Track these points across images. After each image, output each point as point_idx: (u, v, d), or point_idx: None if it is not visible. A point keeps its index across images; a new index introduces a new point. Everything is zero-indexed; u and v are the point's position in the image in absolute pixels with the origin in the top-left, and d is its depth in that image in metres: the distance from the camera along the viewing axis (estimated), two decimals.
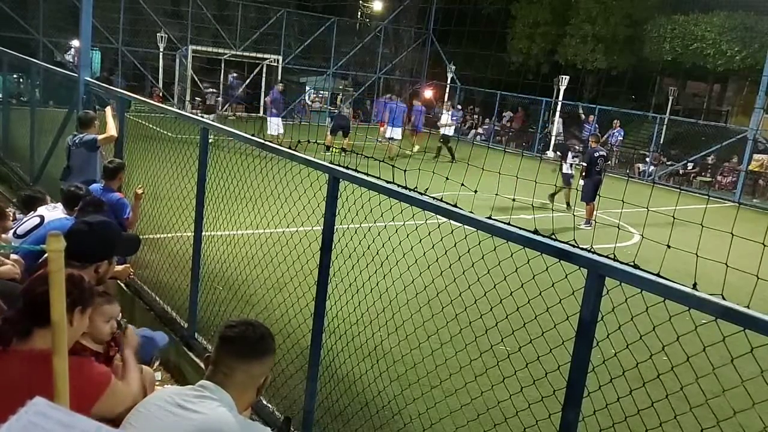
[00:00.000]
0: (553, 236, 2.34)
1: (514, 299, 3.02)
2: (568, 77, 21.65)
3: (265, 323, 2.16)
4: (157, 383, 3.28)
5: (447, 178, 3.07)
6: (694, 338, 2.14)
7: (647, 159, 20.12)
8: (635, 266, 2.05)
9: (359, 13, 31.51)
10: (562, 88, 21.34)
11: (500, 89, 23.56)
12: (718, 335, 2.02)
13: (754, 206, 16.73)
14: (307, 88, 24.66)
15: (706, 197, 16.21)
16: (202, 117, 6.56)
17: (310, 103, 24.18)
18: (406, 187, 2.93)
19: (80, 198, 4.43)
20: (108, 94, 7.55)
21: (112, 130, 6.18)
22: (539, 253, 2.30)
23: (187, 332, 4.70)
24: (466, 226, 2.59)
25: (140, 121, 10.12)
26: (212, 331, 4.49)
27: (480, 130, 25.01)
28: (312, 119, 21.22)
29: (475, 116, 26.43)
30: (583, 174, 11.81)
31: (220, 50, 21.89)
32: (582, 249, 2.20)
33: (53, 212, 4.51)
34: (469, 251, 2.90)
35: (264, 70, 22.57)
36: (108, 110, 6.46)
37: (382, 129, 18.00)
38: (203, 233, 4.64)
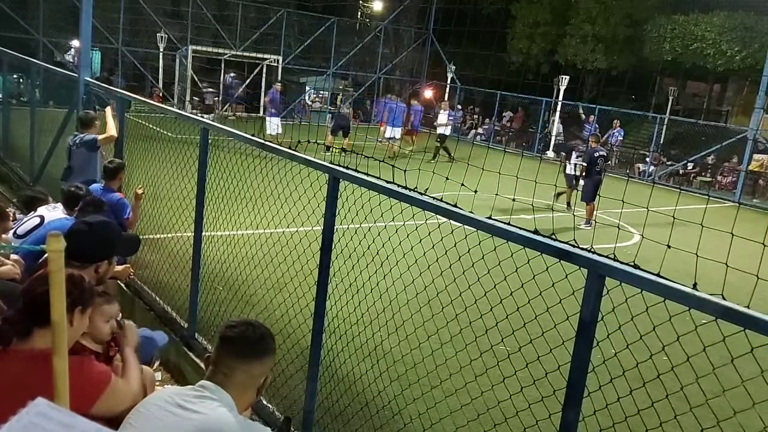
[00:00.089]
0: (553, 236, 2.34)
1: (514, 299, 3.02)
2: (568, 77, 21.66)
3: (265, 323, 2.16)
4: (157, 383, 3.28)
5: (447, 178, 3.07)
6: (694, 338, 2.14)
7: (647, 159, 20.12)
8: (635, 266, 2.05)
9: (359, 13, 31.51)
10: (562, 88, 21.35)
11: (500, 89, 23.56)
12: (718, 335, 2.02)
13: (754, 206, 16.74)
14: (307, 88, 24.66)
15: (706, 197, 16.21)
16: (202, 117, 6.55)
17: (310, 103, 24.18)
18: (406, 187, 2.93)
19: (80, 198, 4.44)
20: (108, 94, 7.55)
21: (112, 130, 6.18)
22: (539, 253, 2.30)
23: (187, 332, 4.70)
24: (466, 226, 2.59)
25: (140, 121, 10.11)
26: (212, 331, 4.49)
27: (480, 130, 25.02)
28: (312, 119, 21.21)
29: (475, 116, 26.43)
30: (583, 174, 11.82)
31: (220, 50, 21.89)
32: (582, 249, 2.20)
33: (53, 212, 4.51)
34: (469, 251, 2.90)
35: (264, 70, 22.56)
36: (108, 110, 6.46)
37: (382, 129, 18.02)
38: (203, 233, 4.64)
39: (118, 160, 5.70)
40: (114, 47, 20.62)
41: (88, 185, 5.16)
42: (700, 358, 2.18)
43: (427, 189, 2.92)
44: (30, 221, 4.40)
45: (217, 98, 22.28)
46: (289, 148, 3.70)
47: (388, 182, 3.01)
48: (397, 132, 17.55)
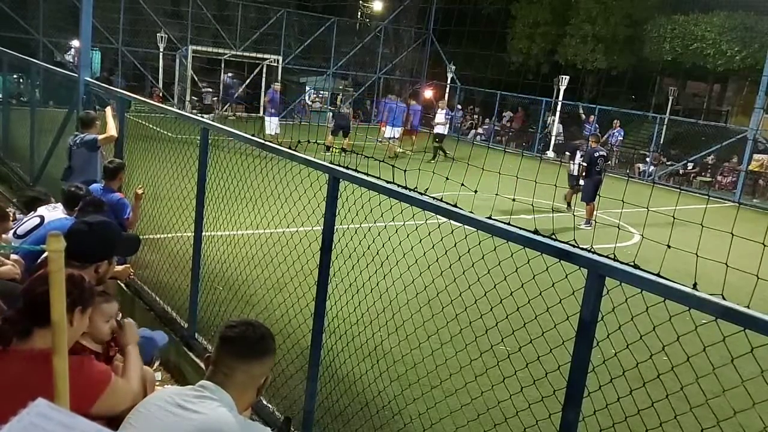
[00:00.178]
0: (553, 236, 2.34)
1: (514, 299, 3.02)
2: (568, 77, 21.66)
3: (265, 323, 2.16)
4: (157, 383, 3.28)
5: (447, 178, 3.07)
6: (694, 338, 2.14)
7: (647, 159, 20.12)
8: (635, 266, 2.05)
9: (359, 13, 31.51)
10: (562, 88, 21.35)
11: (500, 89, 23.56)
12: (718, 335, 2.02)
13: (754, 206, 16.74)
14: (307, 88, 24.66)
15: (706, 197, 16.21)
16: (202, 117, 6.55)
17: (310, 103, 24.19)
18: (406, 187, 2.93)
19: (80, 198, 4.43)
20: (108, 94, 7.55)
21: (112, 130, 6.18)
22: (539, 253, 2.30)
23: (187, 332, 4.70)
24: (466, 226, 2.59)
25: (140, 121, 10.12)
26: (212, 331, 4.49)
27: (480, 130, 25.02)
28: (312, 119, 21.21)
29: (475, 116, 26.44)
30: (583, 174, 11.82)
31: (220, 50, 21.89)
32: (582, 249, 2.20)
33: (53, 212, 4.51)
34: (469, 251, 2.90)
35: (264, 70, 22.56)
36: (108, 110, 6.47)
37: (383, 129, 18.04)
38: (203, 233, 4.64)
39: (118, 160, 5.70)
40: (114, 47, 20.62)
41: (88, 185, 5.16)
42: (700, 358, 2.18)
43: (427, 189, 2.92)
44: (30, 221, 4.40)
45: (216, 98, 22.28)
46: (289, 148, 3.70)
47: (388, 182, 3.01)
48: (397, 132, 17.57)
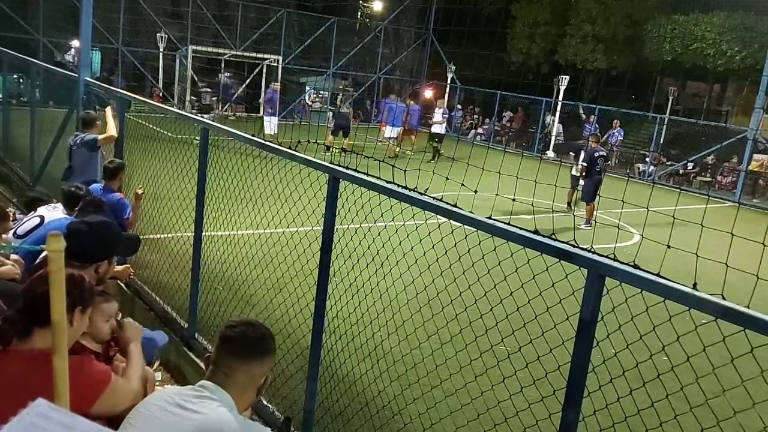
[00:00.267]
0: (553, 236, 2.34)
1: (514, 299, 3.02)
2: (568, 77, 21.66)
3: (265, 323, 2.16)
4: (157, 383, 3.28)
5: (447, 178, 3.07)
6: (694, 338, 2.14)
7: (647, 159, 20.12)
8: (635, 266, 2.05)
9: (359, 13, 31.51)
10: (562, 88, 21.35)
11: (500, 89, 23.56)
12: (718, 335, 2.02)
13: (754, 206, 16.73)
14: (307, 88, 24.66)
15: (706, 197, 16.21)
16: (201, 117, 6.55)
17: (310, 103, 24.19)
18: (406, 187, 2.93)
19: (80, 198, 4.43)
20: (108, 94, 7.55)
21: (112, 130, 6.18)
22: (539, 253, 2.30)
23: (187, 332, 4.70)
24: (466, 226, 2.59)
25: (140, 121, 10.12)
26: (212, 331, 4.49)
27: (480, 130, 25.02)
28: (312, 119, 21.21)
29: (475, 116, 26.44)
30: (583, 174, 11.83)
31: (220, 50, 21.88)
32: (582, 249, 2.20)
33: (53, 212, 4.51)
34: (469, 251, 2.90)
35: (264, 70, 22.57)
36: (108, 110, 6.47)
37: (383, 129, 18.05)
38: (203, 233, 4.64)
39: (118, 160, 5.70)
40: (114, 47, 20.62)
41: (88, 185, 5.16)
42: (700, 358, 2.18)
43: (427, 189, 2.92)
44: (30, 221, 4.40)
45: (215, 98, 22.28)
46: (289, 148, 3.70)
47: (388, 182, 3.01)
48: (396, 132, 17.57)
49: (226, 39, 22.20)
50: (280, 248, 4.37)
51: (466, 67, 25.43)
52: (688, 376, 2.44)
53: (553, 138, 21.79)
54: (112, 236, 3.14)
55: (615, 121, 20.52)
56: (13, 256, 3.79)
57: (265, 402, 3.82)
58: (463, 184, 2.86)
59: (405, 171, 3.04)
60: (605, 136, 19.69)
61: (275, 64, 22.14)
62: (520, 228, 2.42)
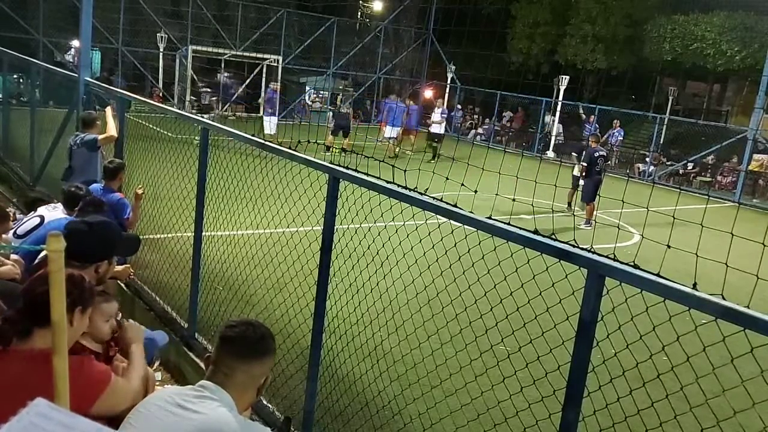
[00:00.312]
0: (553, 236, 2.34)
1: (514, 299, 3.02)
2: (568, 77, 21.66)
3: (265, 323, 2.16)
4: (157, 383, 3.28)
5: (447, 178, 3.07)
6: (694, 338, 2.14)
7: (647, 159, 20.12)
8: (635, 266, 2.05)
9: (359, 13, 31.51)
10: (562, 88, 21.35)
11: (500, 89, 23.56)
12: (718, 335, 2.02)
13: (754, 206, 16.74)
14: (307, 88, 24.66)
15: (706, 197, 16.21)
16: (202, 117, 6.56)
17: (310, 103, 24.19)
18: (406, 187, 2.93)
19: (80, 198, 4.43)
20: (108, 94, 7.55)
21: (112, 130, 6.18)
22: (539, 253, 2.30)
23: (187, 332, 4.70)
24: (466, 226, 2.59)
25: (140, 121, 10.12)
26: (212, 331, 4.49)
27: (480, 130, 25.02)
28: (312, 119, 21.22)
29: (475, 116, 26.43)
30: (583, 174, 11.83)
31: (220, 50, 21.88)
32: (582, 249, 2.20)
33: (53, 212, 4.51)
34: (469, 251, 2.90)
35: (264, 70, 22.57)
36: (108, 110, 6.47)
37: (383, 129, 18.05)
38: (203, 233, 4.64)
39: (118, 160, 5.70)
40: (114, 47, 20.61)
41: (88, 185, 5.15)
42: (700, 358, 2.18)
43: (427, 189, 2.92)
44: (30, 221, 4.40)
45: (214, 98, 22.28)
46: (289, 148, 3.70)
47: (388, 182, 3.01)
48: (395, 132, 17.58)
49: (226, 39, 22.20)
50: (280, 248, 4.37)
51: (466, 67, 25.43)
52: (688, 376, 2.44)
53: (553, 138, 21.78)
54: (112, 236, 3.14)
55: (615, 121, 20.52)
56: (13, 256, 3.79)
57: (265, 402, 3.82)
58: (463, 184, 2.86)
59: (405, 171, 3.04)
60: (605, 136, 19.69)
61: (275, 64, 22.14)
62: (520, 228, 2.42)
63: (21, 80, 16.94)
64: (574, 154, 13.52)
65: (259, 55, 22.33)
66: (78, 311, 2.31)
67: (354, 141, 16.64)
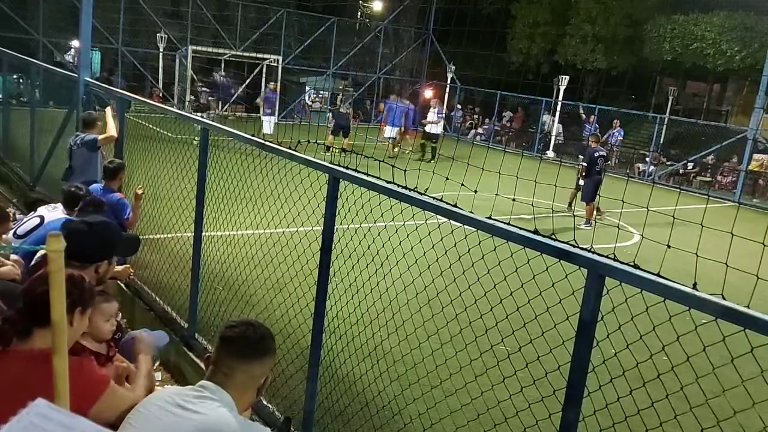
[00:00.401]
0: (553, 236, 2.34)
1: (514, 299, 3.02)
2: (568, 77, 21.65)
3: (265, 323, 2.16)
4: (157, 383, 3.28)
5: (447, 178, 3.07)
6: (694, 338, 2.14)
7: (647, 159, 20.11)
8: (635, 266, 2.05)
9: (359, 13, 31.50)
10: (562, 88, 21.34)
11: (500, 89, 23.55)
12: (718, 335, 2.02)
13: (754, 206, 16.73)
14: (307, 88, 24.65)
15: (706, 197, 16.21)
16: (201, 117, 6.56)
17: (310, 103, 24.19)
18: (406, 187, 2.93)
19: (80, 198, 4.43)
20: (108, 94, 7.55)
21: (112, 130, 6.19)
22: (539, 253, 2.30)
23: (187, 332, 4.70)
24: (466, 226, 2.59)
25: (140, 121, 10.12)
26: (212, 332, 4.49)
27: (480, 130, 25.01)
28: (312, 119, 21.22)
29: (475, 116, 26.43)
30: (584, 174, 11.83)
31: (220, 50, 21.88)
32: (582, 249, 2.20)
33: (53, 212, 4.51)
34: (469, 251, 2.90)
35: (264, 70, 22.57)
36: (108, 110, 6.47)
37: (383, 128, 18.05)
38: (203, 233, 4.64)
39: (118, 161, 5.71)
40: (114, 47, 20.61)
41: (88, 185, 5.16)
42: (700, 358, 2.18)
43: (427, 189, 2.92)
44: (30, 221, 4.40)
45: (212, 97, 22.28)
46: (289, 148, 3.70)
47: (388, 182, 3.01)
48: (394, 132, 17.58)
49: (226, 39, 22.19)
50: (280, 248, 4.37)
51: (466, 67, 25.42)
52: (688, 376, 2.44)
53: (553, 138, 21.78)
54: (112, 236, 3.14)
55: (615, 121, 20.52)
56: (13, 257, 3.79)
57: (265, 402, 3.82)
58: (463, 184, 2.86)
59: (405, 171, 3.04)
60: (605, 136, 19.68)
61: (275, 64, 22.14)
62: (520, 228, 2.42)
63: (21, 80, 16.94)
64: (580, 157, 13.53)
65: (259, 55, 22.32)
66: (78, 311, 2.31)
67: (354, 141, 16.64)
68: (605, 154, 12.35)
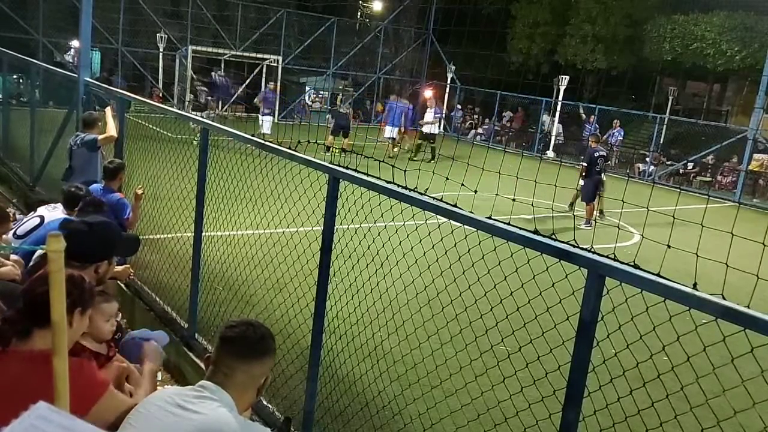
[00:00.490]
0: (553, 236, 2.34)
1: (514, 299, 3.02)
2: (568, 77, 21.65)
3: (265, 323, 2.16)
4: (157, 383, 3.28)
5: (447, 178, 3.07)
6: (694, 338, 2.14)
7: (647, 159, 20.11)
8: (635, 266, 2.05)
9: (359, 13, 31.50)
10: (562, 88, 21.34)
11: (500, 89, 23.55)
12: (718, 335, 2.02)
13: (754, 206, 16.73)
14: (307, 88, 24.65)
15: (706, 197, 16.20)
16: (200, 116, 6.56)
17: (310, 103, 24.18)
18: (406, 187, 2.93)
19: (80, 198, 4.43)
20: (108, 94, 7.55)
21: (112, 130, 6.19)
22: (539, 253, 2.30)
23: (187, 332, 4.70)
24: (466, 226, 2.59)
25: (140, 121, 10.11)
26: (212, 332, 4.49)
27: (480, 130, 25.01)
28: (312, 119, 21.21)
29: (475, 116, 26.43)
30: (584, 174, 11.83)
31: (220, 50, 21.87)
32: (582, 249, 2.20)
33: (53, 212, 4.51)
34: (469, 251, 2.90)
35: (264, 70, 22.56)
36: (108, 110, 6.47)
37: (383, 128, 18.06)
38: (203, 233, 4.64)
39: (118, 161, 5.71)
40: (114, 47, 20.60)
41: (88, 185, 5.16)
42: (700, 358, 2.18)
43: (427, 189, 2.92)
44: (30, 221, 4.40)
45: (210, 97, 22.26)
46: (289, 148, 3.70)
47: (388, 182, 3.01)
48: (394, 132, 17.57)
49: (225, 39, 22.19)
50: (280, 248, 4.37)
51: (466, 67, 25.42)
52: (688, 376, 2.44)
53: (553, 138, 21.77)
54: (112, 236, 3.14)
55: (615, 121, 20.51)
56: (13, 257, 3.79)
57: (265, 402, 3.82)
58: (463, 184, 2.86)
59: (405, 171, 3.04)
60: (605, 136, 19.67)
61: (275, 64, 22.13)
62: (520, 228, 2.42)
63: (21, 80, 16.94)
64: (581, 156, 13.55)
65: (259, 56, 22.31)
66: (78, 312, 2.31)
67: (354, 141, 16.64)
68: (605, 154, 12.35)
